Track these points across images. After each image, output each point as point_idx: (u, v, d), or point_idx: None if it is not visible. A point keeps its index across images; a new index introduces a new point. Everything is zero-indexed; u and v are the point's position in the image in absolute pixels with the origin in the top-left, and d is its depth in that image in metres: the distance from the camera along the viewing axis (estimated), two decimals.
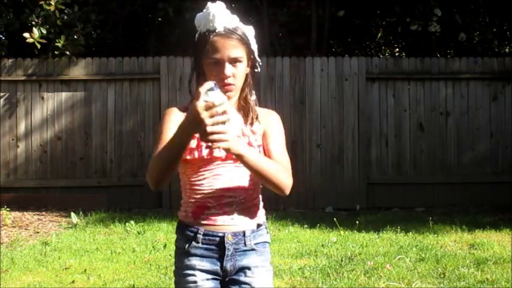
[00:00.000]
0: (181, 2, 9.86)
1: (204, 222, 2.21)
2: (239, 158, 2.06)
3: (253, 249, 2.23)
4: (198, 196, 2.21)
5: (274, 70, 8.87)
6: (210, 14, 2.20)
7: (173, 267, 2.32)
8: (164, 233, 6.81)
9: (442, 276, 5.02)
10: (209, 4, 2.22)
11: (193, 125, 1.92)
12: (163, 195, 8.65)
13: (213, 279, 2.22)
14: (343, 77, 8.91)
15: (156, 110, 8.79)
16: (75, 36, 8.85)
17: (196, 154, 2.18)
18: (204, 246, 2.21)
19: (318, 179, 8.78)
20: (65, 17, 8.87)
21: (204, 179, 2.20)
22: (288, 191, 2.19)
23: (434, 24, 9.65)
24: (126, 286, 4.89)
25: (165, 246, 6.10)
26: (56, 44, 8.68)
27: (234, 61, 2.19)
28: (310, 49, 9.83)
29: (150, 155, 8.76)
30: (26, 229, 7.33)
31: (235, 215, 2.21)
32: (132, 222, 7.24)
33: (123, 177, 8.85)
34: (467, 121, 9.00)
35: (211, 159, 2.19)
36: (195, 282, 2.20)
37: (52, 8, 8.62)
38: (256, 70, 2.31)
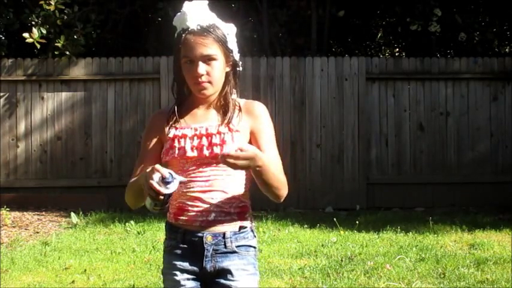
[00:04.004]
0: (181, 1, 9.84)
1: (184, 222, 2.22)
2: (256, 170, 2.09)
3: (234, 252, 2.21)
4: (179, 198, 2.22)
5: (274, 70, 8.87)
6: (184, 13, 2.19)
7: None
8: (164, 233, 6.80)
9: (442, 276, 5.02)
10: (185, 3, 2.22)
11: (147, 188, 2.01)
12: None
13: (193, 279, 2.21)
14: (343, 77, 8.91)
15: (156, 110, 8.79)
16: (75, 36, 8.84)
17: (170, 155, 2.24)
18: (185, 246, 2.21)
19: (318, 179, 8.77)
20: (65, 17, 8.86)
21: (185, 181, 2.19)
22: (281, 200, 2.23)
23: (434, 24, 9.65)
24: (126, 286, 4.89)
25: None
26: (56, 44, 8.67)
27: (207, 59, 2.17)
28: (310, 49, 9.83)
29: None
30: (26, 229, 7.33)
31: (214, 218, 2.20)
32: (132, 222, 7.24)
33: (123, 177, 8.84)
34: (467, 121, 9.00)
35: (186, 161, 2.21)
36: (176, 281, 2.21)
37: (52, 8, 8.62)
38: (238, 69, 2.28)
